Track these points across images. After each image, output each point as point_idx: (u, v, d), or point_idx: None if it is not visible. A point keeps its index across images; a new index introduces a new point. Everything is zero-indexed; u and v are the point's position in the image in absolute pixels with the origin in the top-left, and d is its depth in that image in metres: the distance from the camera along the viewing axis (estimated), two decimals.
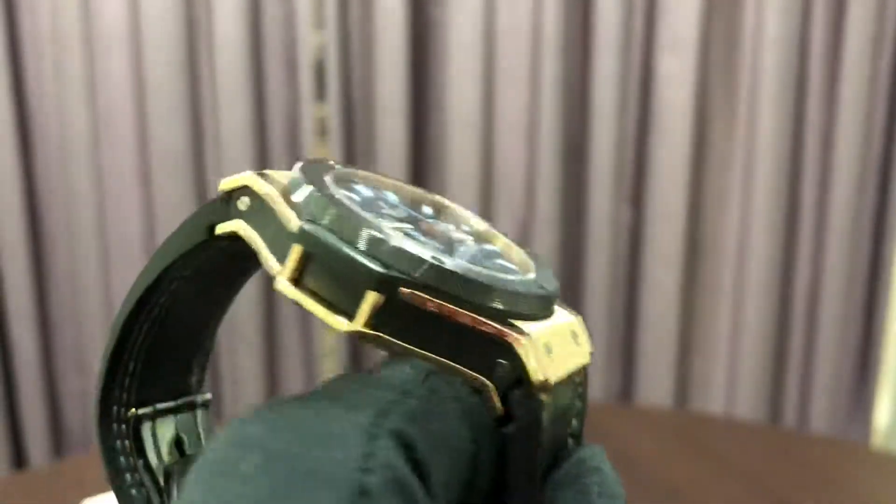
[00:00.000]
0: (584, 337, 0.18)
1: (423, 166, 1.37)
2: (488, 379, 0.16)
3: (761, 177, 1.33)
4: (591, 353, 0.18)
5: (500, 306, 0.16)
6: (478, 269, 0.16)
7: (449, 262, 0.16)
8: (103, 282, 1.32)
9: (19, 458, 1.36)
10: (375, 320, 0.15)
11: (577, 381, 0.18)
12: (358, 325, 0.15)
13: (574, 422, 0.18)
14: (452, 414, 0.16)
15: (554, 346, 0.17)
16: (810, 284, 1.37)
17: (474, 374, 0.16)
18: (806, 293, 1.37)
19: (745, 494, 0.84)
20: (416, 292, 0.15)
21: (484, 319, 0.16)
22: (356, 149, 1.35)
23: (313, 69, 1.32)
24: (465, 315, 0.16)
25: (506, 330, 0.16)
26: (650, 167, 1.36)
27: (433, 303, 0.15)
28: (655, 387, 1.41)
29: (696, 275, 1.39)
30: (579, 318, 0.19)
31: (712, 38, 1.32)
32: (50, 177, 1.30)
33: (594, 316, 1.38)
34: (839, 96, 1.31)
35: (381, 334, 0.16)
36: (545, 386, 0.16)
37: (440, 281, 0.16)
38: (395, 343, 0.16)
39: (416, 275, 0.16)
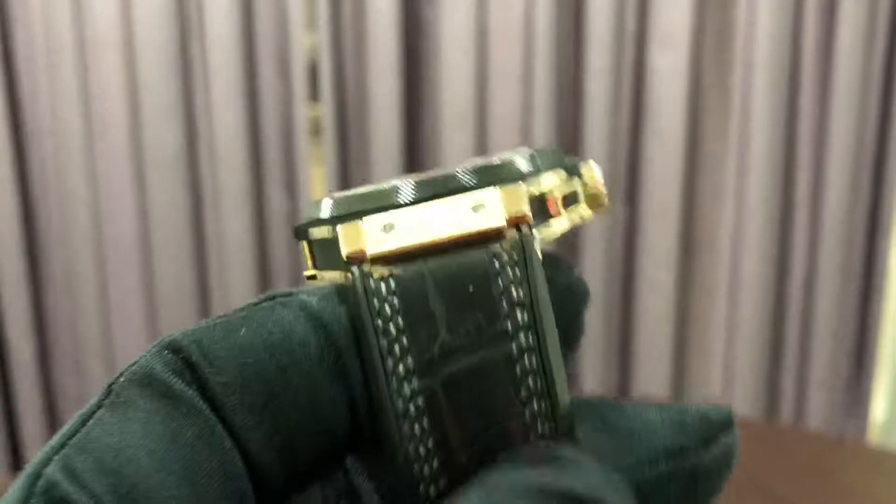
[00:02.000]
0: (498, 206, 0.16)
1: (417, 165, 1.37)
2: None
3: (755, 173, 1.33)
4: (517, 217, 0.16)
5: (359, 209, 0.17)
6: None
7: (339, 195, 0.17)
8: (99, 284, 1.32)
9: (16, 462, 1.36)
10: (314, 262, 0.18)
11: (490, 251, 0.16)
12: (310, 271, 0.18)
13: (503, 302, 0.15)
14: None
15: (405, 224, 0.16)
16: (805, 280, 1.37)
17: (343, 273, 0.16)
18: (801, 289, 1.37)
19: (740, 490, 0.84)
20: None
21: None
22: (350, 148, 1.36)
23: (306, 69, 1.32)
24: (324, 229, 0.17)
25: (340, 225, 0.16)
26: (644, 163, 1.36)
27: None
28: (652, 384, 1.41)
29: (691, 271, 1.39)
30: (506, 188, 0.16)
31: (705, 34, 1.32)
32: (44, 179, 1.30)
33: (590, 313, 1.37)
34: (832, 91, 1.31)
35: (316, 271, 0.18)
36: (359, 256, 0.16)
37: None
38: (319, 272, 0.18)
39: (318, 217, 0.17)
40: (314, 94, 1.33)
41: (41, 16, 1.24)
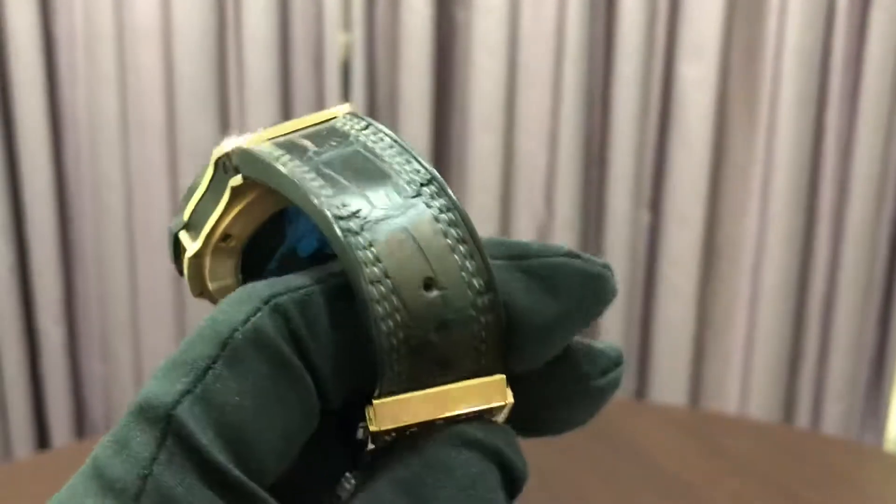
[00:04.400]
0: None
1: (444, 167, 1.38)
2: None
3: (780, 183, 1.34)
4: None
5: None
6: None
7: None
8: (129, 271, 1.35)
9: (42, 443, 1.38)
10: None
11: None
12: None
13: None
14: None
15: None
16: (826, 290, 1.38)
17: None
18: (821, 299, 1.38)
19: (756, 491, 0.85)
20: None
21: None
22: None
23: (340, 68, 1.34)
24: None
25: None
26: (669, 172, 1.37)
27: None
28: (670, 390, 1.42)
29: (712, 279, 1.40)
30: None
31: (734, 45, 1.33)
32: (79, 166, 1.32)
33: (610, 318, 1.39)
34: (859, 105, 1.32)
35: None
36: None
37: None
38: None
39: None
40: (346, 93, 1.35)
41: (82, 5, 1.27)
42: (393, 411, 0.17)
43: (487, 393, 0.18)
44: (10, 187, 1.30)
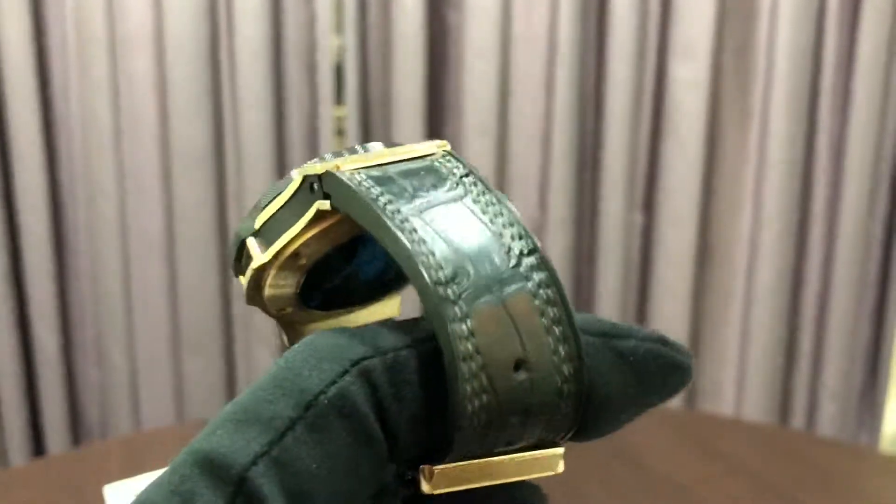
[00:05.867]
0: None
1: None
2: None
3: (772, 183, 1.34)
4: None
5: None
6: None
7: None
8: (123, 277, 1.35)
9: (38, 450, 1.38)
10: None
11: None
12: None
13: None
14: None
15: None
16: (820, 290, 1.38)
17: None
18: (816, 299, 1.38)
19: (751, 493, 0.85)
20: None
21: None
22: None
23: (332, 72, 1.34)
24: None
25: None
26: (662, 172, 1.37)
27: None
28: None
29: (706, 279, 1.40)
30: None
31: (726, 45, 1.34)
32: (73, 173, 1.32)
33: (605, 317, 1.39)
34: (851, 103, 1.32)
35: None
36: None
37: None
38: None
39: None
40: (339, 96, 1.35)
41: (74, 11, 1.27)
42: (450, 476, 0.17)
43: (544, 464, 0.18)
44: (3, 195, 1.30)
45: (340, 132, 1.39)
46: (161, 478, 0.16)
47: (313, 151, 1.35)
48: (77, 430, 1.40)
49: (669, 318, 1.40)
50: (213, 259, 1.37)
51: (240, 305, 1.37)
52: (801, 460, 0.93)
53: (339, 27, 1.34)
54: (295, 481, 0.15)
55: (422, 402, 0.17)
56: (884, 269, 1.40)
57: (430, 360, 0.17)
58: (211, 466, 0.15)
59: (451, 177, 0.18)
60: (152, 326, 1.36)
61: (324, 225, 0.19)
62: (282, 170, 1.36)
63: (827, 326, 1.39)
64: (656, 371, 0.18)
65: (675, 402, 1.42)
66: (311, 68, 1.33)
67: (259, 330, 1.37)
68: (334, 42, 1.35)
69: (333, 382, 0.16)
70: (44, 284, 1.32)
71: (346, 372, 0.16)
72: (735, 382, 1.40)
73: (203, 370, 1.39)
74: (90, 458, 0.97)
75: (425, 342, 0.17)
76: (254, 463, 0.15)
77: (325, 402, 0.16)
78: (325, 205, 0.19)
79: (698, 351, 1.42)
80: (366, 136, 1.37)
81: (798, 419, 1.41)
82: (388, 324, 0.18)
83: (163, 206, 1.34)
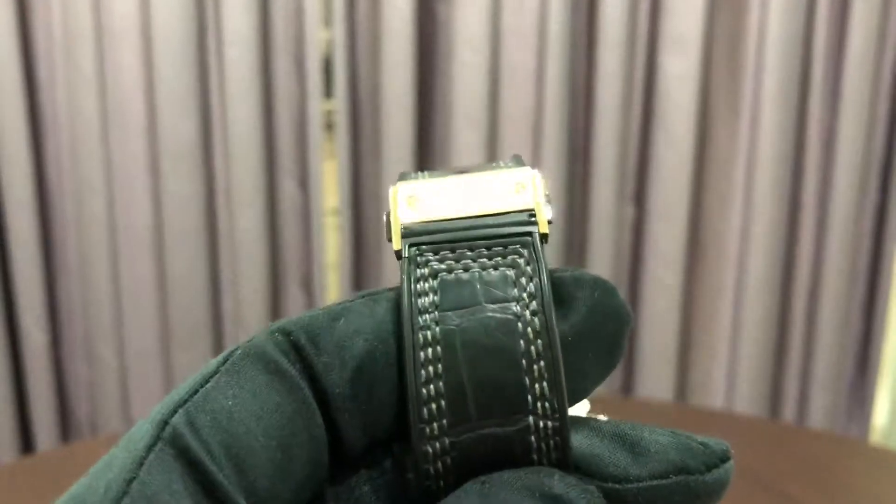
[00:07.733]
0: (539, 186, 0.20)
1: (428, 162, 1.38)
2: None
3: (763, 176, 1.34)
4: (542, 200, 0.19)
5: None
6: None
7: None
8: (112, 273, 1.34)
9: (27, 447, 1.37)
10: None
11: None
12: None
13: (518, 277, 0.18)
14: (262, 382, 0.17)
15: (426, 196, 0.19)
16: (811, 283, 1.38)
17: None
18: (806, 292, 1.38)
19: (742, 486, 0.85)
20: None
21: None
22: (362, 143, 1.37)
23: (321, 65, 1.33)
24: None
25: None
26: (653, 165, 1.37)
27: None
28: (656, 384, 1.42)
29: (697, 273, 1.40)
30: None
31: (716, 37, 1.33)
32: (60, 168, 1.31)
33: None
34: (842, 96, 1.32)
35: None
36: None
37: None
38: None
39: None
40: (328, 90, 1.35)
41: (60, 5, 1.26)
42: None
43: None
44: None
45: (329, 126, 1.38)
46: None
47: (302, 145, 1.35)
48: (66, 426, 1.39)
49: (660, 312, 1.40)
50: (202, 254, 1.36)
51: (229, 300, 1.36)
52: (792, 453, 0.93)
53: (327, 20, 1.34)
54: (219, 424, 0.16)
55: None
56: (874, 261, 1.40)
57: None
58: (150, 419, 0.16)
59: (523, 278, 0.18)
60: (141, 322, 1.35)
61: None
62: (270, 164, 1.35)
63: (817, 319, 1.39)
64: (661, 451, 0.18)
65: (667, 396, 1.42)
66: (300, 61, 1.32)
67: (248, 325, 1.36)
68: (323, 35, 1.34)
69: (250, 340, 0.17)
70: (32, 280, 1.31)
71: (262, 332, 0.17)
72: (726, 375, 1.40)
73: (193, 365, 1.38)
74: (79, 455, 0.97)
75: (337, 305, 0.18)
76: (174, 410, 0.16)
77: (240, 352, 0.17)
78: (397, 247, 0.18)
79: (689, 344, 1.43)
80: (355, 130, 1.36)
81: (788, 411, 1.42)
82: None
83: (151, 200, 1.33)
